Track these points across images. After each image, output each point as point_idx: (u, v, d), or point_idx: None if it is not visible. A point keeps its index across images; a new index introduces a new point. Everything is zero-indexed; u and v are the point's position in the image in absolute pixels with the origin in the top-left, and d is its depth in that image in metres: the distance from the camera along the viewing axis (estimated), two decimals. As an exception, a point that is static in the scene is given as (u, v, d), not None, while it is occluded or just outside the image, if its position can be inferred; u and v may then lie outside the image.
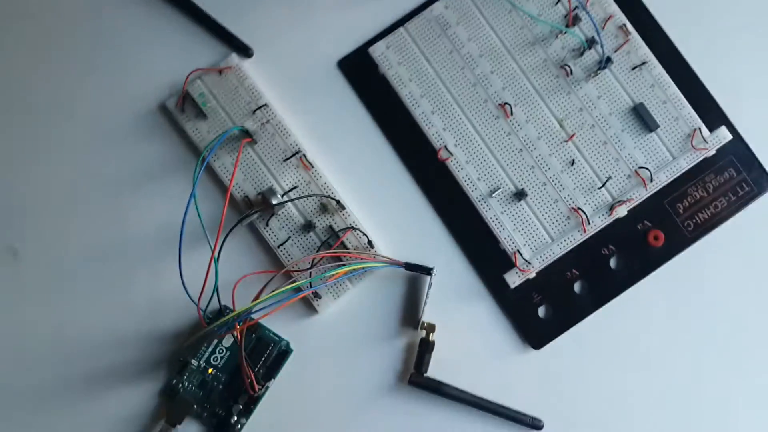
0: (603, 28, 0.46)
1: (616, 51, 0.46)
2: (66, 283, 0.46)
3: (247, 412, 0.45)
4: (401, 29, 0.46)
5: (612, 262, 0.46)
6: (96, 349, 0.46)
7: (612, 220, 0.45)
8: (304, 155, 0.46)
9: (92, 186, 0.47)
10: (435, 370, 0.45)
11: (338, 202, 0.45)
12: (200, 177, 0.44)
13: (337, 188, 0.46)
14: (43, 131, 0.47)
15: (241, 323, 0.41)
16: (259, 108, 0.46)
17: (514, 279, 0.45)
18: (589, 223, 0.45)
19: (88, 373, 0.46)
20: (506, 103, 0.46)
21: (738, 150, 0.46)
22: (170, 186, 0.47)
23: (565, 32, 0.45)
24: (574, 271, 0.46)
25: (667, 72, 0.45)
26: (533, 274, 0.45)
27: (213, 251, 0.40)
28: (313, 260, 0.45)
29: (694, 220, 0.46)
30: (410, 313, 0.46)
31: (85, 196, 0.47)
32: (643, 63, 0.45)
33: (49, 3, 0.48)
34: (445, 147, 0.46)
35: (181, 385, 0.45)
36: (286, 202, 0.45)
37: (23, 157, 0.47)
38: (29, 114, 0.48)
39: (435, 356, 0.45)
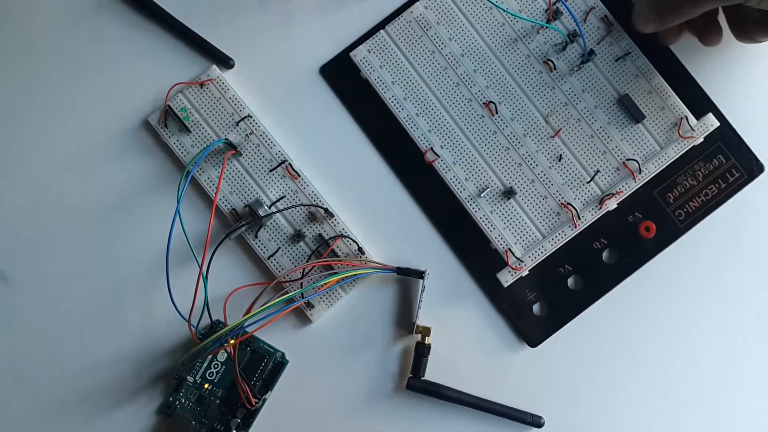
0: (584, 20, 0.45)
1: (598, 43, 0.45)
2: (57, 306, 0.46)
3: (245, 425, 0.44)
4: (382, 32, 0.46)
5: (605, 256, 0.46)
6: (90, 370, 0.46)
7: (602, 213, 0.44)
8: (290, 164, 0.45)
9: (78, 207, 0.46)
10: (433, 372, 0.45)
11: (326, 210, 0.45)
12: (185, 192, 0.44)
13: (325, 196, 0.45)
14: (25, 152, 0.47)
15: (233, 338, 0.40)
16: (243, 119, 0.45)
17: (506, 278, 0.44)
18: (579, 218, 0.44)
19: (83, 395, 0.45)
20: (491, 102, 0.45)
21: (726, 136, 0.46)
22: (157, 202, 0.46)
23: (547, 27, 0.45)
24: (566, 266, 0.45)
25: (651, 62, 0.45)
26: (526, 272, 0.45)
27: (201, 268, 0.39)
28: (303, 270, 0.44)
29: (685, 210, 0.45)
30: (404, 317, 0.46)
31: (72, 218, 0.46)
32: (627, 54, 0.45)
33: (26, 20, 0.48)
34: (432, 149, 0.45)
35: (178, 402, 0.45)
36: (274, 213, 0.45)
37: (6, 179, 0.47)
38: (9, 135, 0.47)
39: (432, 359, 0.45)
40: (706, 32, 0.43)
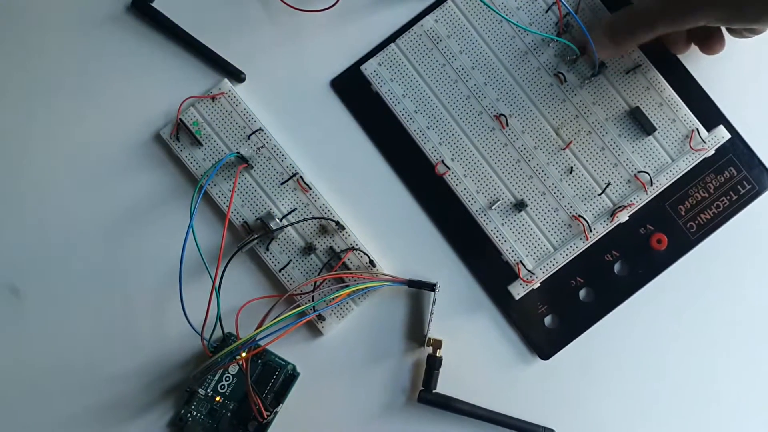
0: (594, 33, 0.45)
1: (609, 56, 0.45)
2: (70, 320, 0.46)
3: (257, 438, 0.45)
4: (392, 45, 0.46)
5: (616, 268, 0.45)
6: (103, 383, 0.46)
7: (614, 225, 0.44)
8: (301, 177, 0.45)
9: (90, 220, 0.47)
10: (444, 385, 0.45)
11: (337, 223, 0.45)
12: (198, 206, 0.44)
13: (336, 208, 0.46)
14: (37, 166, 0.47)
15: (245, 352, 0.40)
16: (254, 133, 0.46)
17: (518, 290, 0.44)
18: (590, 231, 0.44)
19: (95, 408, 0.46)
20: (501, 114, 0.45)
21: (737, 148, 0.46)
22: (168, 215, 0.46)
23: (557, 40, 0.45)
24: (578, 279, 0.45)
25: (662, 74, 0.45)
26: (537, 284, 0.45)
27: (213, 282, 0.39)
28: (315, 283, 0.44)
29: (696, 222, 0.45)
30: (416, 329, 0.46)
31: (83, 231, 0.47)
32: (637, 66, 0.45)
33: (38, 33, 0.48)
34: (443, 161, 0.45)
35: (190, 415, 0.45)
36: (286, 226, 0.45)
37: (18, 193, 0.47)
38: (20, 148, 0.47)
39: (443, 372, 0.45)
40: (708, 41, 0.43)
